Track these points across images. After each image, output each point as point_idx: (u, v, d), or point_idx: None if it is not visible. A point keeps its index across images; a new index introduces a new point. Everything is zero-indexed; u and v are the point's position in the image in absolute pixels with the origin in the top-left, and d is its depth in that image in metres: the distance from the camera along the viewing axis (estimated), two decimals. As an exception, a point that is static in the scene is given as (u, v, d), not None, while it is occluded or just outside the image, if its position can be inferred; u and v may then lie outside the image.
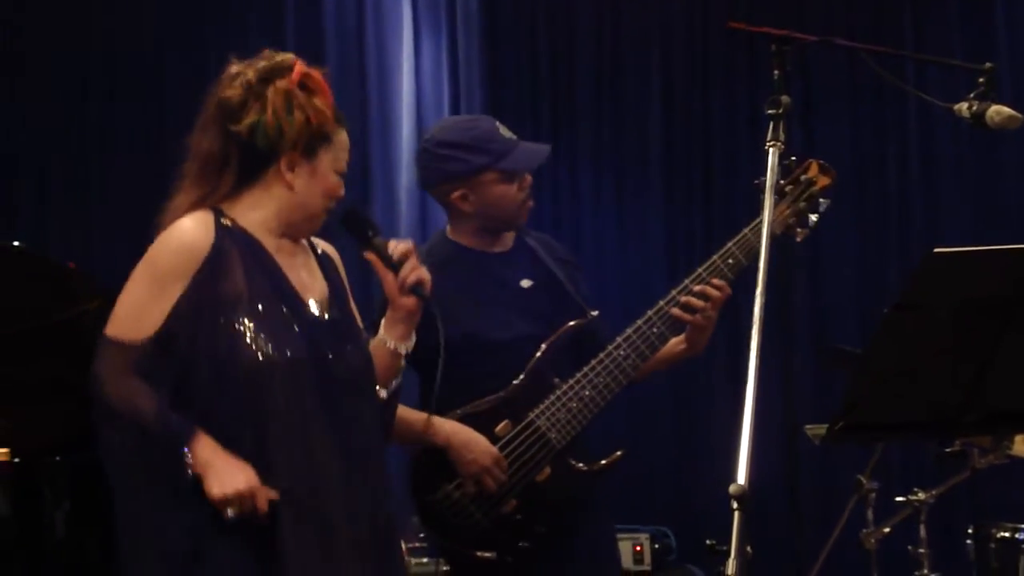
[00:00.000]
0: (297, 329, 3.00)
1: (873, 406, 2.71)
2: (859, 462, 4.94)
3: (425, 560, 5.43)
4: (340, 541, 2.96)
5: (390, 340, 3.15)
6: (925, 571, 4.76)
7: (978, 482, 4.79)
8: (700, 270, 3.77)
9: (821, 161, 3.85)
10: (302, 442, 2.95)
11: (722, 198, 6.41)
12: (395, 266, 3.12)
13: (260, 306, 2.97)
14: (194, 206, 3.04)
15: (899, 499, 4.84)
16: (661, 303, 3.75)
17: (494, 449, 3.69)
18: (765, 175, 2.81)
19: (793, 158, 3.71)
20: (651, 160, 6.44)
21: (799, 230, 3.80)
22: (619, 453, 3.79)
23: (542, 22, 6.57)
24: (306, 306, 3.06)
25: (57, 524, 3.81)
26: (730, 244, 3.76)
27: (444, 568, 3.94)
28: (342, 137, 3.12)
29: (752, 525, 2.41)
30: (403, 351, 3.16)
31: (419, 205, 6.42)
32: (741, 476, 2.42)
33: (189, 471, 2.86)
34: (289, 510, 2.90)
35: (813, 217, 3.81)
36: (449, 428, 3.71)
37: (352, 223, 3.17)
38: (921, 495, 4.77)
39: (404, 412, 3.63)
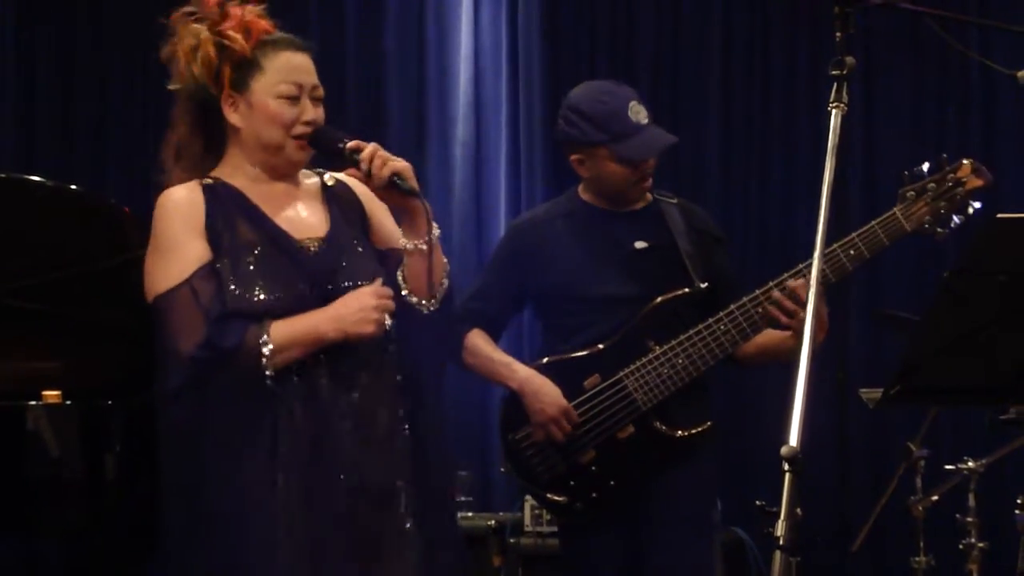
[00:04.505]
0: (290, 269, 2.95)
1: (930, 370, 2.70)
2: (910, 429, 4.91)
3: (470, 514, 5.47)
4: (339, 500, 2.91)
5: (406, 241, 3.01)
6: (972, 540, 4.74)
7: (1030, 452, 4.76)
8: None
9: (975, 162, 3.71)
10: (307, 390, 2.92)
11: (782, 160, 6.36)
12: (356, 162, 2.97)
13: (255, 251, 2.93)
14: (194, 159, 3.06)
15: (948, 467, 4.81)
16: (772, 283, 3.71)
17: (563, 401, 3.80)
18: (828, 137, 2.77)
19: (944, 155, 3.66)
20: (709, 119, 6.39)
21: (939, 230, 3.66)
22: (707, 425, 3.81)
23: (603, -23, 6.53)
24: (297, 245, 2.99)
25: (108, 467, 3.84)
26: (854, 235, 3.67)
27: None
28: (280, 61, 2.99)
29: (801, 488, 2.40)
30: (423, 247, 2.98)
31: (474, 159, 6.41)
32: (793, 438, 2.41)
33: (267, 371, 2.84)
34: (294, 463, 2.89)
35: (957, 219, 3.66)
36: (524, 375, 3.87)
37: (318, 142, 3.03)
38: (971, 464, 4.74)
39: (490, 351, 3.94)
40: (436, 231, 3.00)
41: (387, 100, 6.44)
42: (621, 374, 3.80)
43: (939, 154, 3.72)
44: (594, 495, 3.85)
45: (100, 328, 4.02)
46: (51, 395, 3.86)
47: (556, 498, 3.89)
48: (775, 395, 2.83)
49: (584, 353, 3.85)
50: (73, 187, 4.08)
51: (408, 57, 6.46)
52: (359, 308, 2.90)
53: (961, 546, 4.75)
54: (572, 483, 3.85)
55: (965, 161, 3.72)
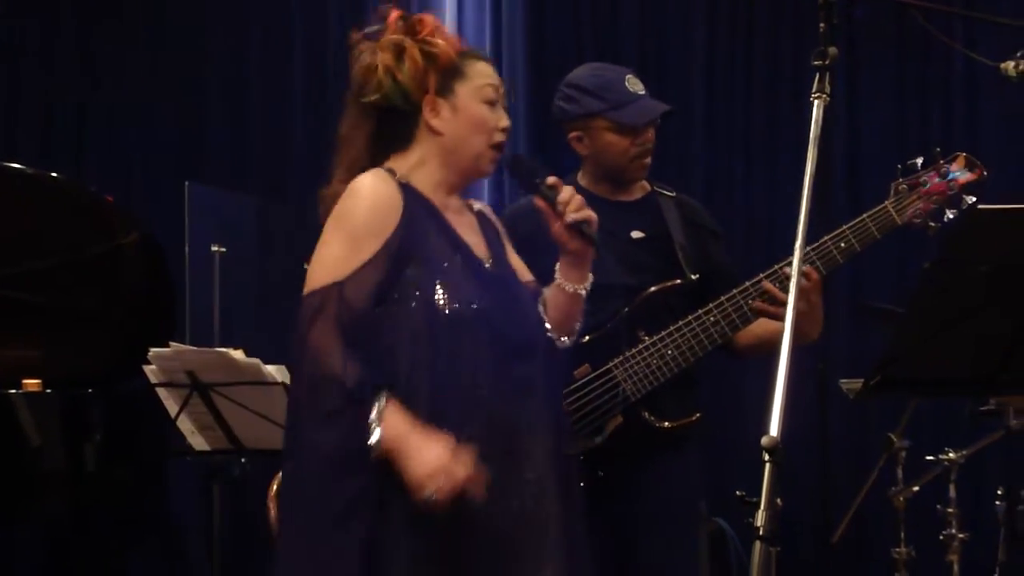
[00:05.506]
0: (477, 282, 3.00)
1: (910, 361, 2.70)
2: (891, 420, 4.92)
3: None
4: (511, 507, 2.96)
5: (567, 283, 3.14)
6: (953, 531, 4.76)
7: (1011, 443, 4.77)
8: (809, 249, 3.62)
9: (970, 156, 3.70)
10: (484, 398, 2.94)
11: (765, 152, 6.37)
12: (555, 206, 3.07)
13: (444, 263, 2.97)
14: (362, 168, 3.02)
15: (929, 458, 4.83)
16: (761, 275, 3.71)
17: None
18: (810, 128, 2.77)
19: (938, 149, 3.66)
20: (694, 110, 6.40)
21: (931, 224, 3.66)
22: (695, 416, 3.80)
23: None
24: (481, 261, 3.06)
25: (88, 454, 3.83)
26: (845, 227, 3.66)
27: None
28: (478, 67, 3.08)
29: (782, 479, 2.40)
30: (583, 292, 3.15)
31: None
32: (774, 428, 2.41)
33: (373, 440, 2.80)
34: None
35: (950, 213, 3.66)
36: None
37: (517, 169, 3.16)
38: (952, 455, 4.75)
39: None
40: (591, 279, 3.16)
41: (370, 90, 6.43)
42: (610, 364, 3.80)
43: (924, 145, 3.73)
44: (581, 484, 3.84)
45: (82, 316, 4.02)
46: (31, 383, 3.85)
47: None
48: (756, 385, 2.84)
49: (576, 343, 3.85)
50: (54, 175, 4.08)
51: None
52: (437, 463, 2.83)
53: (942, 537, 4.77)
54: None
55: (960, 154, 3.72)
